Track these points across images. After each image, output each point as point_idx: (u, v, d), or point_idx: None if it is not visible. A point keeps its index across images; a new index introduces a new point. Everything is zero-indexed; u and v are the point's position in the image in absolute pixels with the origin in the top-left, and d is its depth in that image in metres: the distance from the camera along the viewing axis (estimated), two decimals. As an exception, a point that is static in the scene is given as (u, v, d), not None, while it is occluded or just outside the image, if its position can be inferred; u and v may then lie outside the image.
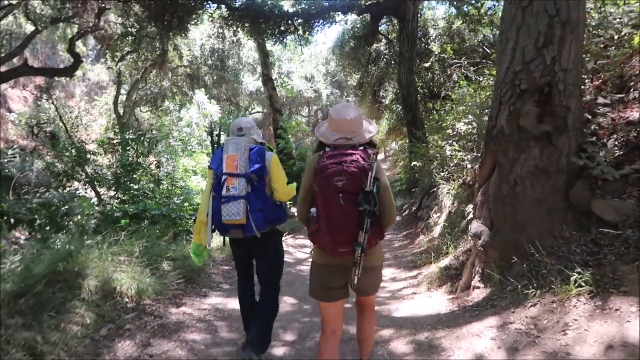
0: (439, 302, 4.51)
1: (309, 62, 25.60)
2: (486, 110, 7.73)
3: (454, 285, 4.72)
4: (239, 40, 20.38)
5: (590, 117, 4.32)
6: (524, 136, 4.00)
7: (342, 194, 2.26)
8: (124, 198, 12.32)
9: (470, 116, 8.04)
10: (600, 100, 4.26)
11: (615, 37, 5.23)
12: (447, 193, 7.79)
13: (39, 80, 19.19)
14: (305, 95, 22.86)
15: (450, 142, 8.08)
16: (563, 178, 3.94)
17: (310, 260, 2.70)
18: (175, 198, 13.42)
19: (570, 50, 3.97)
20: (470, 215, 5.59)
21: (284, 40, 13.62)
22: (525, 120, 3.99)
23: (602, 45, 5.32)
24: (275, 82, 15.22)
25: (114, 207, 10.96)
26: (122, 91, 19.89)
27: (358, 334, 2.92)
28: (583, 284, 3.20)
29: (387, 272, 6.03)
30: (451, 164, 8.39)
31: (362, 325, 2.87)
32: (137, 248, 4.96)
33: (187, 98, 20.66)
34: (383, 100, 18.78)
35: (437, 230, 7.85)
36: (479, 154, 7.37)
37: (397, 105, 17.40)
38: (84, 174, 12.06)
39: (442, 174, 8.65)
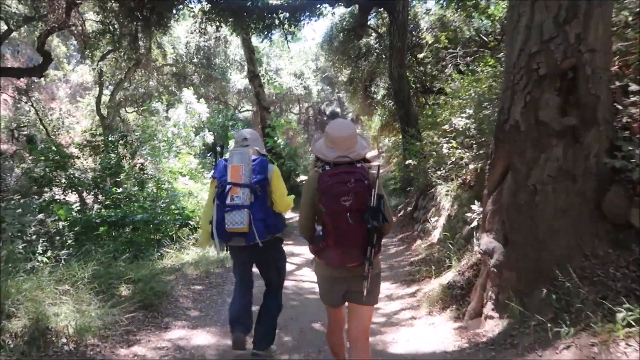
0: (443, 332, 3.72)
1: (298, 59, 24.65)
2: (485, 104, 7.01)
3: (461, 310, 3.95)
4: (225, 37, 19.51)
5: (619, 107, 3.55)
6: (544, 132, 3.21)
7: (349, 213, 2.32)
8: (107, 203, 11.67)
9: (468, 110, 7.28)
10: (634, 87, 3.48)
11: (630, 19, 4.50)
12: (446, 195, 7.02)
13: (20, 82, 18.19)
14: (295, 92, 21.89)
15: (447, 139, 7.30)
16: (592, 183, 3.17)
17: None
18: (161, 202, 12.70)
19: (598, 27, 3.19)
20: (475, 223, 4.82)
21: (270, 35, 12.76)
22: (546, 112, 3.21)
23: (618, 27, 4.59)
24: (262, 78, 14.34)
25: (92, 214, 10.23)
26: (107, 92, 18.93)
27: None
28: (633, 322, 2.44)
29: (383, 288, 5.21)
30: (448, 162, 7.63)
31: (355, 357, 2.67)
32: (86, 272, 4.15)
33: (176, 98, 19.64)
34: (375, 96, 17.96)
35: (435, 235, 7.08)
36: (480, 152, 6.61)
37: (389, 101, 16.60)
38: (65, 178, 11.36)
39: (439, 172, 7.88)
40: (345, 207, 2.31)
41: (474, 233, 4.90)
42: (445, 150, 7.23)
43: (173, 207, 12.15)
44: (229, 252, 3.38)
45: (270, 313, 3.41)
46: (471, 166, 6.32)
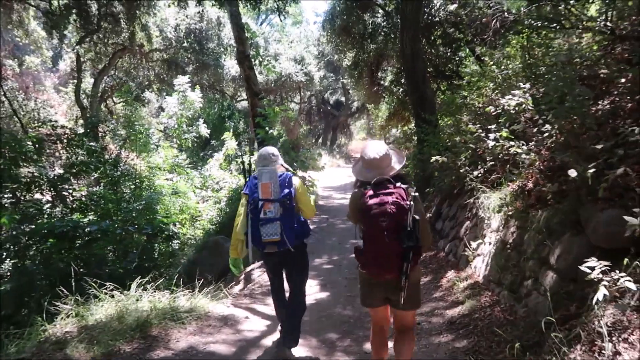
0: None
1: (298, 43, 21.82)
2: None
3: None
4: (218, 19, 16.89)
5: None
6: None
7: (386, 232, 2.41)
8: (72, 207, 9.41)
9: (522, 84, 4.72)
10: None
11: None
12: (498, 211, 4.46)
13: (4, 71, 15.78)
14: (296, 79, 19.12)
15: (496, 126, 4.73)
16: None
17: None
18: (136, 204, 10.36)
19: None
20: (603, 292, 2.26)
21: (259, 4, 10.16)
22: None
23: None
24: (254, 60, 11.74)
25: (40, 223, 7.93)
26: (91, 80, 16.44)
27: (396, 353, 2.80)
28: None
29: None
30: (489, 159, 5.09)
31: (400, 345, 2.77)
32: None
33: (174, 90, 16.87)
34: (382, 82, 15.32)
35: (480, 269, 4.55)
36: (546, 145, 4.05)
37: (398, 87, 14.02)
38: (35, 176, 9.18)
39: (476, 172, 5.32)
40: (382, 227, 2.40)
41: (593, 300, 2.36)
42: (491, 143, 4.63)
43: (159, 207, 10.02)
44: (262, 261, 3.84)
45: (294, 314, 3.53)
46: (537, 164, 3.73)
